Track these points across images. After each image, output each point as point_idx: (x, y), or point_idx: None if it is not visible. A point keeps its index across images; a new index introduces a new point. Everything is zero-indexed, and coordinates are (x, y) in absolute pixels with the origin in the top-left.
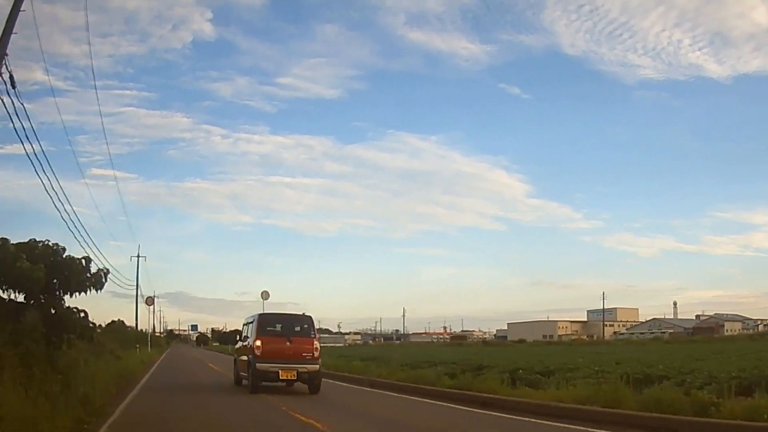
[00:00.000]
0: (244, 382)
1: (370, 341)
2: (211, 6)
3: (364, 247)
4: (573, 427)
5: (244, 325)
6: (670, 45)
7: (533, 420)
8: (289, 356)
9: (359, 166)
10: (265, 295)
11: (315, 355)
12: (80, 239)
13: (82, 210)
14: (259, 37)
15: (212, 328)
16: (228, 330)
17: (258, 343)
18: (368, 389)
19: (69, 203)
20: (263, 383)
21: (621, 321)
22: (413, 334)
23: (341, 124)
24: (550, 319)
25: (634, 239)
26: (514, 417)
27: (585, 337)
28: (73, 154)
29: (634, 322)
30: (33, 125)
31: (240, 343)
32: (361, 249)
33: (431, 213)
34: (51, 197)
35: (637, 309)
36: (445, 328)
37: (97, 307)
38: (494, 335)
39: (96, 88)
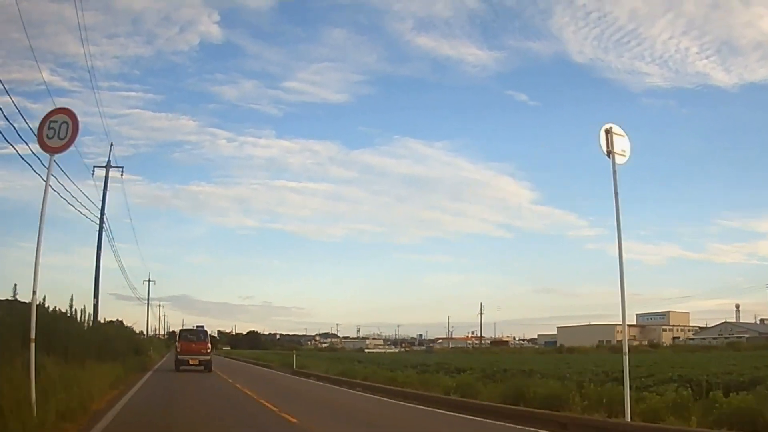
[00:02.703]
0: (182, 367)
1: (393, 347)
2: (218, 8)
3: (370, 253)
4: None
5: (176, 335)
6: (677, 53)
7: None
8: (194, 351)
9: (365, 172)
10: None
11: (207, 351)
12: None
13: (86, 212)
14: (267, 40)
15: (219, 330)
16: (235, 333)
17: (178, 344)
18: None
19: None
20: (181, 367)
21: (676, 325)
22: (438, 339)
23: (347, 129)
24: (605, 323)
25: (640, 247)
26: None
27: (645, 342)
28: (79, 155)
29: (691, 326)
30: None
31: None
32: (366, 254)
33: (436, 219)
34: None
35: (688, 313)
36: (473, 332)
37: (101, 308)
38: (526, 340)
39: (95, 89)
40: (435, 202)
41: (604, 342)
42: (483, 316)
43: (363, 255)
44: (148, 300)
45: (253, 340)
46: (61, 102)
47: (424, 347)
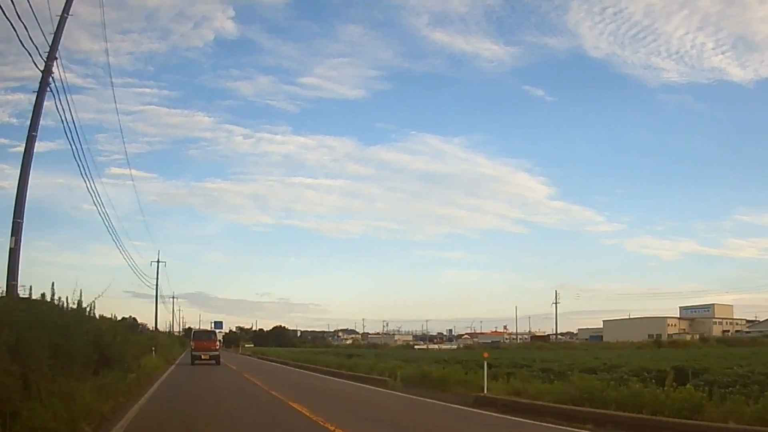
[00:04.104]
0: (196, 362)
1: (422, 342)
2: (233, 3)
3: (387, 249)
4: None
5: (191, 334)
6: (693, 48)
7: None
8: (205, 348)
9: (382, 168)
10: None
11: (216, 347)
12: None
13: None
14: (282, 35)
15: (238, 326)
16: (257, 328)
17: (193, 343)
18: None
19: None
20: (195, 361)
21: (722, 318)
22: (464, 335)
23: (364, 125)
24: (654, 316)
25: (656, 242)
26: None
27: (696, 336)
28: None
29: (737, 319)
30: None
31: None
32: (383, 251)
33: (453, 215)
34: None
35: (732, 306)
36: (505, 327)
37: (116, 306)
38: (563, 334)
39: (112, 86)
40: (452, 198)
41: (654, 336)
42: (503, 311)
43: (380, 251)
44: (156, 283)
45: (279, 336)
46: (75, 98)
47: (453, 342)
